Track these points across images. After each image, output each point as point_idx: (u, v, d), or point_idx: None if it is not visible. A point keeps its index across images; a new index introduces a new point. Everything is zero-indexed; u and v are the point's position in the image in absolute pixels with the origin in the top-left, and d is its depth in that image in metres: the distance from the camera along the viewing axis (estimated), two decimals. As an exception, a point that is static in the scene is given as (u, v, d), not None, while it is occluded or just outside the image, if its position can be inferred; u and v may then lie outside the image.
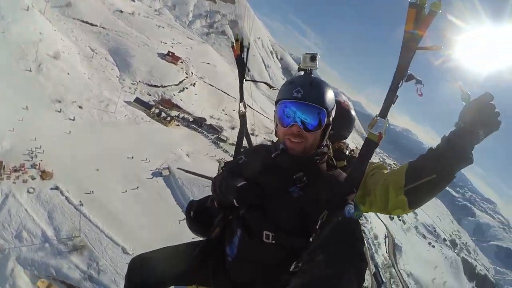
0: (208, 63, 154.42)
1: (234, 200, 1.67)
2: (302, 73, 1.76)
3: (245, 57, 2.34)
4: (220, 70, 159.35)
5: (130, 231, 34.74)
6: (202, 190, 47.08)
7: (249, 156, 1.96)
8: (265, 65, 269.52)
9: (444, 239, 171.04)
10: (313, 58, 1.72)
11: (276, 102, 1.74)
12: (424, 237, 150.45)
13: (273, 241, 1.56)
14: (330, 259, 1.19)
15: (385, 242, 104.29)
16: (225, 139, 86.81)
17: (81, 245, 30.83)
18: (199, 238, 2.06)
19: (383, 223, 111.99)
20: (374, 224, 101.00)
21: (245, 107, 2.37)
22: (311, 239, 1.45)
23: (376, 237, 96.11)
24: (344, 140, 2.39)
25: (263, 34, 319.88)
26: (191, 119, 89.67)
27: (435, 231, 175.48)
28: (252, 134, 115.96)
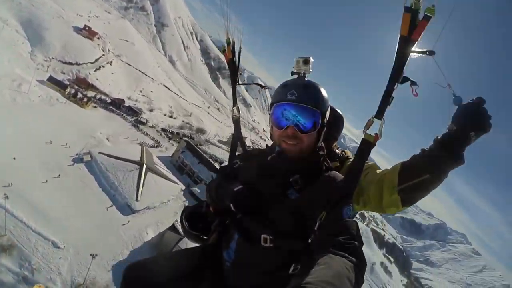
0: (126, 41, 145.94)
1: (231, 205, 1.67)
2: (295, 76, 1.81)
3: (237, 60, 2.35)
4: (138, 48, 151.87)
5: (58, 223, 33.19)
6: (127, 175, 46.79)
7: (244, 161, 1.98)
8: (184, 46, 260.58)
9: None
10: (306, 61, 1.78)
11: (271, 105, 1.79)
12: None
13: (272, 245, 1.56)
14: (329, 260, 1.19)
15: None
16: (145, 121, 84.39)
17: (9, 244, 28.50)
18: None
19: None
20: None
21: (238, 112, 2.37)
22: (309, 241, 1.47)
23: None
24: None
25: (184, 13, 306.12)
26: (109, 101, 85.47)
27: None
28: (171, 116, 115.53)
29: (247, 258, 1.65)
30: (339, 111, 2.33)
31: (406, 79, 1.56)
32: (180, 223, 2.03)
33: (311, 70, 1.78)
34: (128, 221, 40.94)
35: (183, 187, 55.82)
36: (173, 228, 41.68)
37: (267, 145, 1.94)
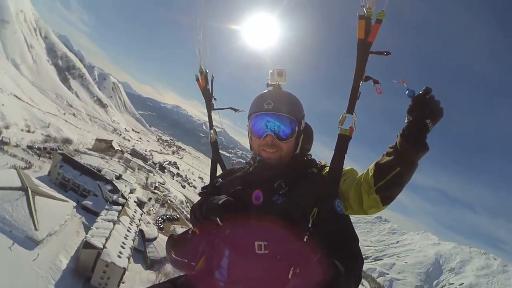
0: None
1: (218, 219, 1.64)
2: (270, 88, 1.87)
3: (210, 88, 2.38)
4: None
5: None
6: (15, 205, 40.73)
7: (226, 177, 2.02)
8: (28, 45, 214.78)
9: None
10: (280, 73, 1.84)
11: (248, 117, 1.84)
12: None
13: (267, 251, 1.53)
14: (325, 259, 1.21)
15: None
16: (8, 140, 70.99)
17: None
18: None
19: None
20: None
21: (216, 134, 2.39)
22: (305, 239, 1.45)
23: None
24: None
25: (26, 6, 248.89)
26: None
27: None
28: (29, 131, 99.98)
29: (243, 272, 1.61)
30: (307, 122, 2.36)
31: (368, 77, 1.73)
32: (167, 254, 2.00)
33: (285, 82, 1.88)
34: (38, 254, 36.54)
35: (74, 204, 51.43)
36: (86, 245, 39.99)
37: (246, 162, 2.05)
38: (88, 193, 58.31)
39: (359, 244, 1.42)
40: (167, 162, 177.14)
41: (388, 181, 1.68)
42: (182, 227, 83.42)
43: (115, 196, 58.98)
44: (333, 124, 1.81)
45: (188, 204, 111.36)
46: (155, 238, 58.90)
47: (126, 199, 62.19)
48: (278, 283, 1.48)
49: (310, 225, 1.46)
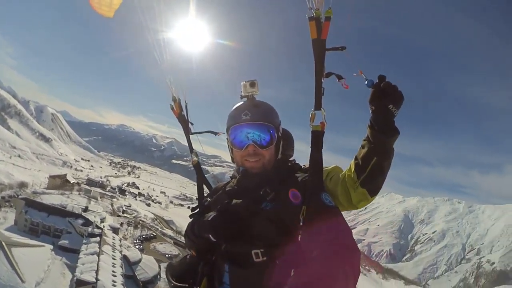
0: None
1: (211, 236, 1.65)
2: (245, 99, 1.91)
3: (185, 114, 2.38)
4: None
5: None
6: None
7: (213, 195, 2.05)
8: None
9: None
10: (252, 84, 1.87)
11: (227, 130, 1.87)
12: (182, 205, 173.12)
13: (265, 258, 1.55)
14: (321, 256, 1.21)
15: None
16: None
17: None
18: None
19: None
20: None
21: (197, 157, 2.40)
22: (299, 238, 1.46)
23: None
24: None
25: None
26: None
27: (186, 197, 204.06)
28: None
29: (246, 283, 1.61)
30: (286, 129, 2.37)
31: (330, 73, 1.75)
32: (168, 282, 1.97)
33: (258, 92, 1.90)
34: (33, 309, 35.66)
35: (51, 246, 49.70)
36: (78, 282, 39.73)
37: (231, 176, 2.07)
38: (61, 232, 56.47)
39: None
40: (125, 185, 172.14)
41: (370, 173, 1.72)
42: (161, 243, 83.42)
43: (89, 229, 57.83)
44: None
45: (158, 220, 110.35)
46: (140, 260, 58.66)
47: (101, 229, 61.05)
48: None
49: (301, 223, 1.49)
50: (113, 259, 51.29)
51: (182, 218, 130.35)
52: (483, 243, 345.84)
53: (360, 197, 1.81)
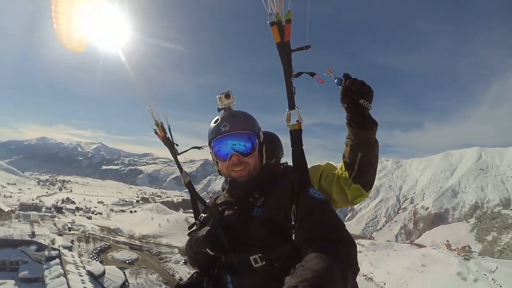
0: None
1: (208, 249, 1.68)
2: (222, 111, 1.89)
3: (170, 136, 2.44)
4: None
5: None
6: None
7: (206, 210, 2.05)
8: None
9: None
10: (227, 96, 1.88)
11: (209, 144, 1.86)
12: (123, 211, 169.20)
13: (264, 262, 1.55)
14: (318, 254, 1.19)
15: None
16: None
17: None
18: None
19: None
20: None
21: (187, 176, 2.44)
22: (293, 237, 1.49)
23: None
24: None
25: None
26: None
27: (126, 201, 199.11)
28: None
29: None
30: (270, 132, 2.38)
31: (300, 73, 1.80)
32: None
33: (234, 102, 1.91)
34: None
35: (13, 282, 48.84)
36: None
37: (222, 189, 2.03)
38: (17, 264, 54.99)
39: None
40: (60, 202, 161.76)
41: (358, 168, 1.76)
42: (118, 251, 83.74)
43: (46, 253, 57.01)
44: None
45: (106, 231, 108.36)
46: (104, 272, 60.01)
47: (58, 250, 60.55)
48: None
49: (293, 222, 1.51)
50: (80, 276, 52.31)
51: (127, 223, 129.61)
52: (415, 193, 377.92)
53: (355, 193, 1.85)
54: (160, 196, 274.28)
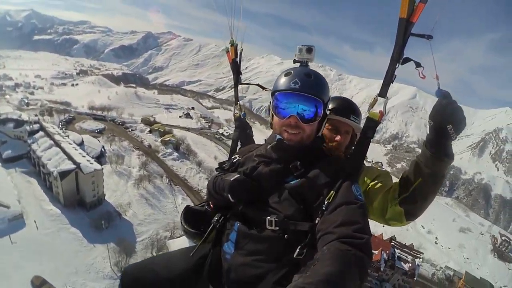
0: None
1: (229, 196, 1.64)
2: (297, 65, 1.75)
3: (239, 60, 2.34)
4: None
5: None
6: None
7: (243, 154, 1.94)
8: None
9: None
10: (309, 50, 1.72)
11: (272, 94, 1.72)
12: (64, 84, 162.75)
13: (277, 227, 1.50)
14: (332, 256, 1.14)
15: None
16: None
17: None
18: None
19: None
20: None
21: (240, 110, 2.37)
22: (316, 221, 1.41)
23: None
24: None
25: None
26: None
27: (66, 74, 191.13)
28: None
29: (250, 245, 1.57)
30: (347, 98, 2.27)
31: (407, 59, 1.62)
32: (181, 225, 1.98)
33: (313, 60, 1.76)
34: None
35: None
36: (62, 174, 44.72)
37: (265, 140, 1.90)
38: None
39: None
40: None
41: (411, 194, 1.65)
42: (84, 122, 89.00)
43: (27, 128, 57.01)
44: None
45: (57, 103, 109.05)
46: (82, 140, 65.38)
47: (39, 122, 61.31)
48: (283, 260, 1.46)
49: (324, 208, 1.42)
50: (70, 144, 55.84)
51: (74, 97, 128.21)
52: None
53: (394, 216, 1.76)
54: (99, 69, 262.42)
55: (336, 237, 1.24)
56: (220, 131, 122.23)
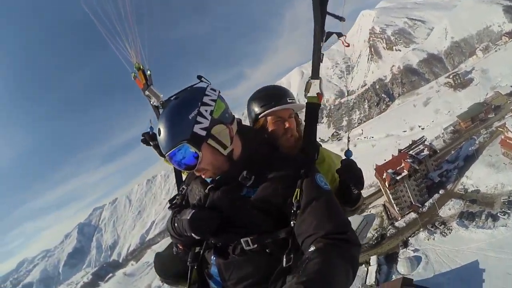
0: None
1: (193, 234, 1.48)
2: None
3: (151, 84, 1.96)
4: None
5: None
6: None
7: (190, 180, 1.80)
8: None
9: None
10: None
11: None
12: None
13: (256, 245, 1.42)
14: (321, 253, 1.12)
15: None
16: None
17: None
18: None
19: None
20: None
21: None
22: (292, 224, 1.36)
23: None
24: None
25: None
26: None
27: None
28: None
29: (236, 273, 1.49)
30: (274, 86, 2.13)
31: (329, 34, 1.63)
32: (159, 276, 1.87)
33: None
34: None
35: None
36: None
37: None
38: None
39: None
40: None
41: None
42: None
43: None
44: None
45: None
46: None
47: None
48: (272, 273, 1.41)
49: (295, 208, 1.37)
50: None
51: None
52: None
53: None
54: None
55: (320, 236, 1.23)
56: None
